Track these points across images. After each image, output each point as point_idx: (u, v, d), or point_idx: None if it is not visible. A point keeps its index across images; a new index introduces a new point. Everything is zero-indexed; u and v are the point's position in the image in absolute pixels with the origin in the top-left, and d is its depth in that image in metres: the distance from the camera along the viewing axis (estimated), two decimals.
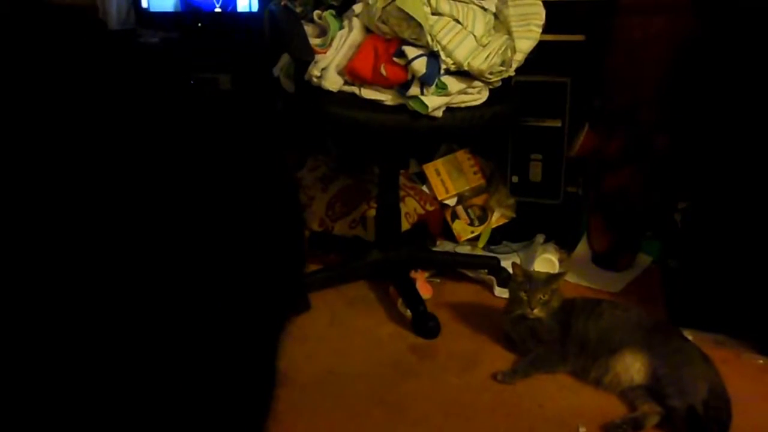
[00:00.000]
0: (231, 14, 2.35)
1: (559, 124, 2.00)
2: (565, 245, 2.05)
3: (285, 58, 1.71)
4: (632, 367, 1.40)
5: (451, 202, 2.11)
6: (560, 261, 1.95)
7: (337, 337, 1.66)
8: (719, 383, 1.38)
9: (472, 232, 2.08)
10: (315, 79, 1.56)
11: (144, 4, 2.38)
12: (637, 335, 1.43)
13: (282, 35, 1.59)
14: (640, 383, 1.39)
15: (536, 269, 1.86)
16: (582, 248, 2.03)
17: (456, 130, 1.62)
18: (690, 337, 1.52)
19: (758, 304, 1.57)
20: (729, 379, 1.40)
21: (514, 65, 1.59)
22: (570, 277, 1.86)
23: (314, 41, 1.58)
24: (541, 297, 1.48)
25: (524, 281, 1.52)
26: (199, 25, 2.36)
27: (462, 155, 2.15)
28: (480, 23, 1.54)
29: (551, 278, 1.52)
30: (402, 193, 2.01)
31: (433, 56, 1.49)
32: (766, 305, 1.55)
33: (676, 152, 1.90)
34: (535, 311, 1.48)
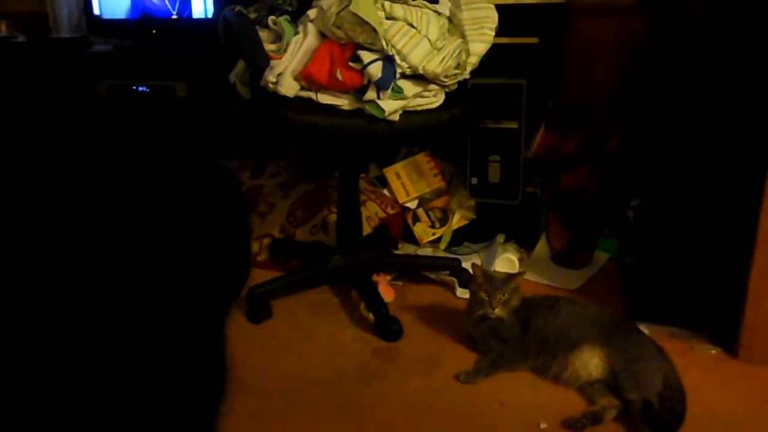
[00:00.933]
0: (186, 21, 2.33)
1: (516, 125, 2.03)
2: (524, 245, 2.08)
3: (240, 65, 1.70)
4: (590, 363, 1.43)
5: (412, 205, 2.13)
6: (520, 260, 1.98)
7: (299, 343, 1.65)
8: (674, 375, 1.41)
9: (434, 234, 2.09)
10: (271, 85, 1.55)
11: (96, 10, 2.34)
12: (594, 331, 1.46)
13: (237, 41, 1.58)
14: (599, 378, 1.42)
15: (497, 269, 1.89)
16: (541, 247, 2.06)
17: (413, 134, 1.63)
18: (646, 331, 1.56)
19: (710, 297, 1.62)
20: (683, 371, 1.43)
21: (469, 68, 1.61)
22: (530, 276, 1.89)
23: (269, 47, 1.58)
24: (502, 297, 1.50)
25: (484, 282, 1.54)
26: (154, 32, 2.33)
27: (422, 158, 2.17)
28: (434, 27, 1.55)
29: (511, 278, 1.54)
30: (363, 197, 2.02)
31: (388, 60, 1.50)
32: (718, 297, 1.60)
33: (630, 151, 1.95)
34: (496, 311, 1.50)
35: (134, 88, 2.29)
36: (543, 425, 1.35)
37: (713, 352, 1.58)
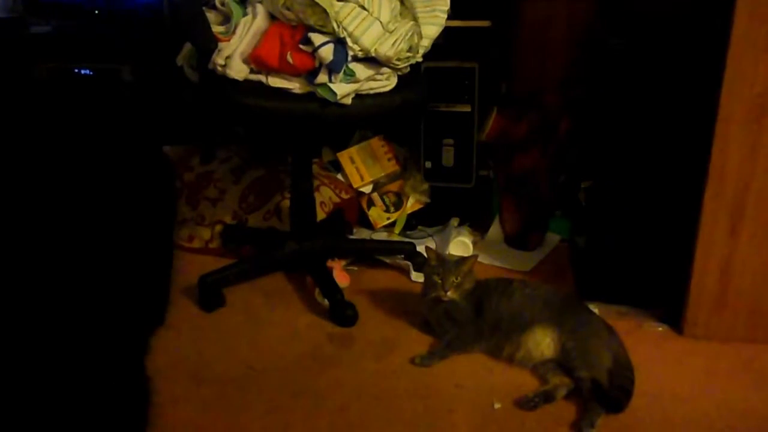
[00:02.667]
0: (129, 1, 2.25)
1: (469, 109, 2.03)
2: (478, 228, 2.10)
3: (188, 47, 1.65)
4: (542, 343, 1.45)
5: (367, 189, 2.12)
6: (474, 243, 2.00)
7: (254, 331, 1.63)
8: (623, 353, 1.45)
9: (388, 219, 2.09)
10: (219, 68, 1.51)
11: None
12: (546, 312, 1.48)
13: (183, 23, 1.53)
14: (550, 357, 1.44)
15: (451, 252, 1.90)
16: (494, 230, 2.08)
17: (366, 117, 1.62)
18: (596, 310, 1.59)
19: (657, 276, 1.66)
20: (632, 348, 1.47)
21: (421, 51, 1.60)
22: (483, 259, 1.91)
23: (217, 29, 1.53)
24: (454, 279, 1.51)
25: (437, 265, 1.54)
26: (96, 12, 2.24)
27: (376, 142, 2.16)
28: (386, 9, 1.54)
29: (463, 261, 1.55)
30: (317, 182, 2.00)
31: (339, 43, 1.48)
32: (664, 276, 1.64)
33: (580, 134, 1.97)
34: (449, 293, 1.51)
35: (77, 71, 2.20)
36: (497, 405, 1.37)
37: (660, 329, 1.63)
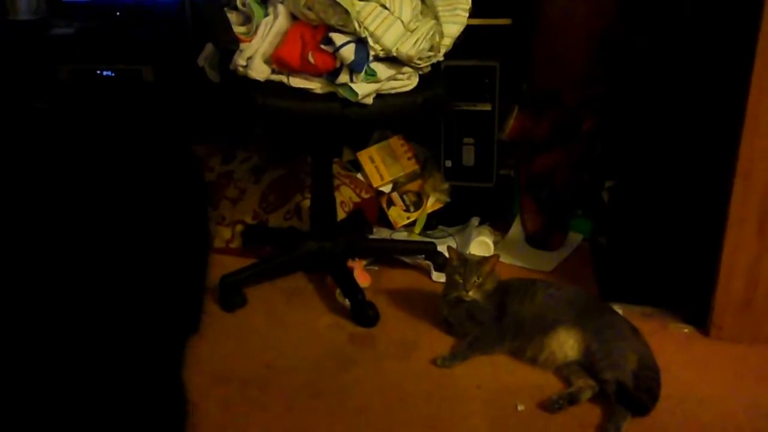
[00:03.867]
0: (152, 2, 2.26)
1: (489, 107, 2.01)
2: (499, 227, 2.08)
3: (209, 48, 1.66)
4: (566, 344, 1.44)
5: (387, 189, 2.11)
6: (495, 243, 1.98)
7: (274, 330, 1.63)
8: (648, 354, 1.43)
9: (408, 218, 2.08)
10: (241, 69, 1.51)
11: None
12: (569, 313, 1.47)
13: (205, 23, 1.54)
14: (574, 359, 1.43)
15: (472, 252, 1.89)
16: (516, 229, 2.06)
17: (387, 117, 1.61)
18: (620, 311, 1.57)
19: (682, 276, 1.64)
20: (657, 350, 1.45)
21: (443, 50, 1.59)
22: (505, 258, 1.89)
23: (238, 29, 1.54)
24: (476, 279, 1.50)
25: (459, 264, 1.53)
26: (118, 14, 2.26)
27: (395, 142, 2.15)
28: (407, 8, 1.53)
29: (485, 261, 1.54)
30: (337, 182, 1.99)
31: (361, 43, 1.47)
32: (690, 277, 1.62)
33: (603, 132, 1.95)
34: (470, 293, 1.50)
35: (99, 72, 2.22)
36: (520, 407, 1.36)
37: (686, 330, 1.60)
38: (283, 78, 1.52)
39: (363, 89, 1.47)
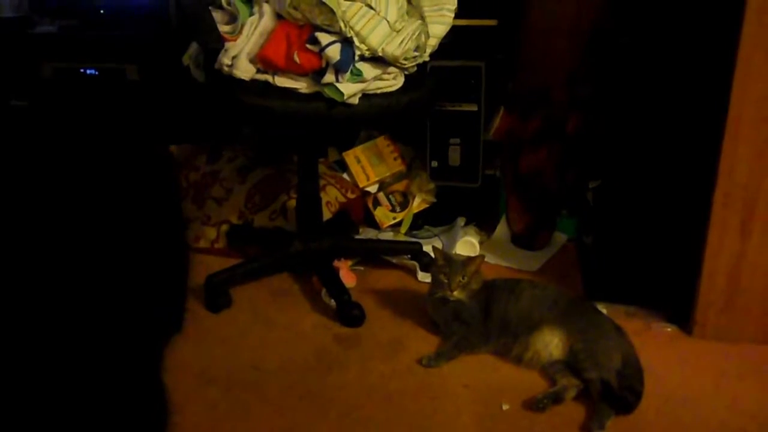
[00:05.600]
0: (135, 0, 2.24)
1: (475, 108, 2.02)
2: (485, 227, 2.09)
3: (194, 47, 1.65)
4: (551, 343, 1.45)
5: (373, 189, 2.11)
6: (481, 243, 1.99)
7: (259, 331, 1.62)
8: (632, 353, 1.44)
9: (394, 218, 2.08)
10: (226, 68, 1.51)
11: None
12: (554, 312, 1.48)
13: (190, 22, 1.53)
14: (559, 358, 1.44)
15: (458, 252, 1.89)
16: (501, 229, 2.07)
17: (373, 117, 1.61)
18: (604, 311, 1.58)
19: (666, 276, 1.65)
20: (641, 349, 1.46)
21: (429, 50, 1.59)
22: (490, 258, 1.90)
23: (223, 28, 1.53)
24: (461, 279, 1.50)
25: (444, 264, 1.53)
26: (102, 12, 2.24)
27: (382, 142, 2.15)
28: (393, 8, 1.53)
29: (470, 261, 1.54)
30: (323, 182, 1.99)
31: (346, 42, 1.47)
32: (673, 277, 1.63)
33: (588, 133, 1.96)
34: (455, 293, 1.50)
35: (82, 70, 2.20)
36: (506, 407, 1.36)
37: (669, 329, 1.62)
38: (269, 77, 1.52)
39: (349, 89, 1.47)
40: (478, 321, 1.52)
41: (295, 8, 1.49)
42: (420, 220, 2.09)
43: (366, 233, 2.07)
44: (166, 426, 0.86)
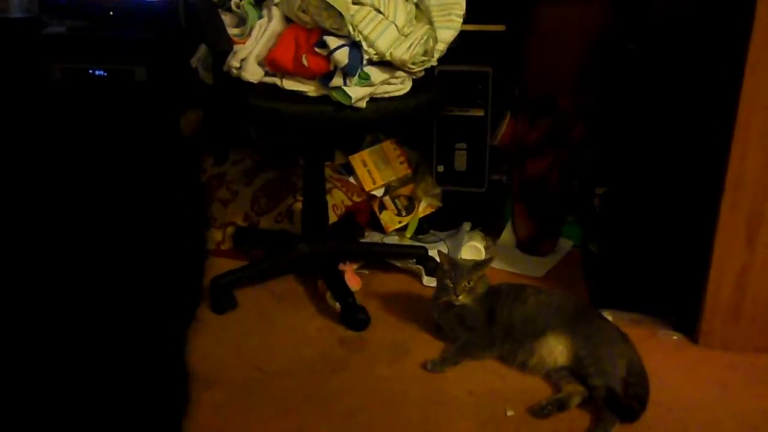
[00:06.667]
0: (145, 2, 2.26)
1: (482, 113, 2.02)
2: (490, 232, 2.08)
3: (202, 49, 1.65)
4: (555, 350, 1.44)
5: (379, 192, 2.11)
6: (486, 248, 1.99)
7: (264, 333, 1.62)
8: (637, 360, 1.44)
9: (400, 222, 2.08)
10: (234, 70, 1.51)
11: None
12: (559, 318, 1.47)
13: (199, 24, 1.53)
14: (564, 365, 1.43)
15: (463, 257, 1.89)
16: (507, 235, 2.07)
17: (380, 121, 1.61)
18: (609, 318, 1.58)
19: (672, 284, 1.65)
20: (646, 356, 1.46)
21: (436, 55, 1.60)
22: (496, 264, 1.89)
23: (232, 31, 1.53)
24: (466, 284, 1.50)
25: (450, 269, 1.53)
26: (111, 13, 2.25)
27: (388, 146, 2.15)
28: (401, 13, 1.53)
29: (476, 265, 1.54)
30: (329, 185, 1.99)
31: (355, 46, 1.48)
32: (680, 284, 1.63)
33: (594, 139, 1.96)
34: (460, 298, 1.50)
35: (91, 71, 2.21)
36: (510, 413, 1.36)
37: (675, 337, 1.61)
38: (277, 80, 1.52)
39: (356, 93, 1.47)
40: (482, 326, 1.52)
41: (304, 11, 1.49)
42: (425, 225, 2.09)
43: (371, 237, 2.07)
44: (186, 406, 0.87)
